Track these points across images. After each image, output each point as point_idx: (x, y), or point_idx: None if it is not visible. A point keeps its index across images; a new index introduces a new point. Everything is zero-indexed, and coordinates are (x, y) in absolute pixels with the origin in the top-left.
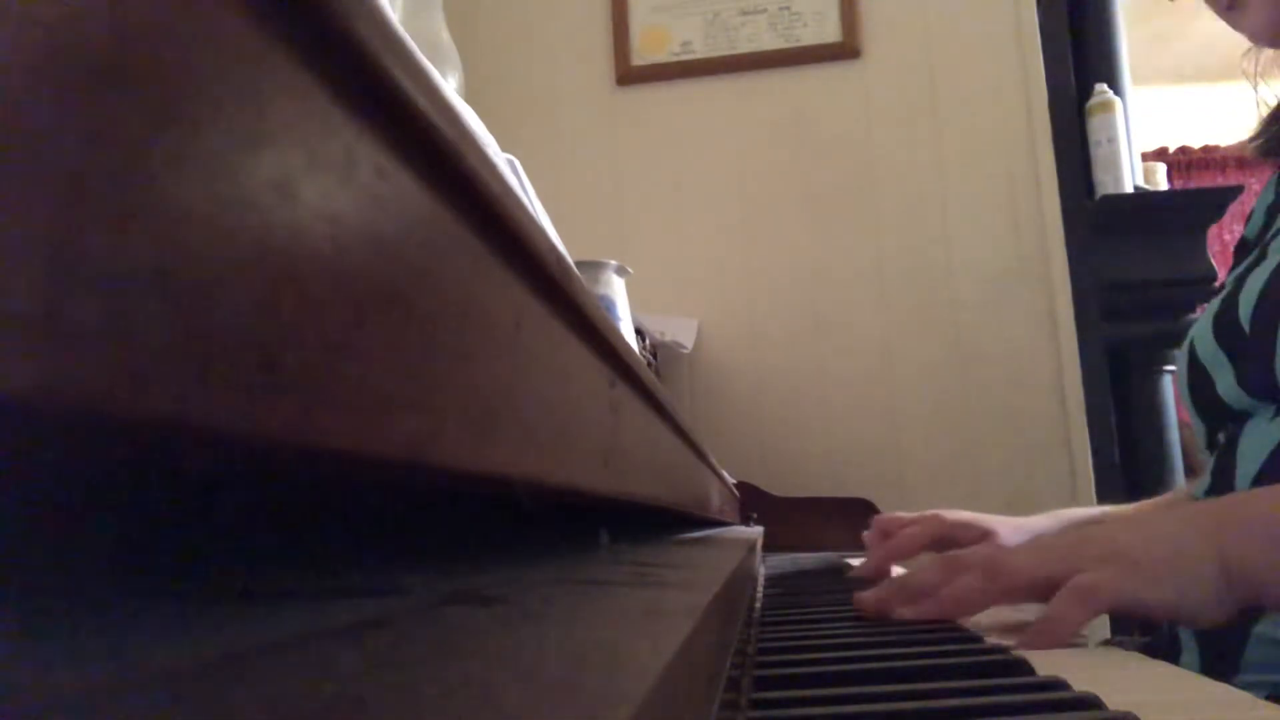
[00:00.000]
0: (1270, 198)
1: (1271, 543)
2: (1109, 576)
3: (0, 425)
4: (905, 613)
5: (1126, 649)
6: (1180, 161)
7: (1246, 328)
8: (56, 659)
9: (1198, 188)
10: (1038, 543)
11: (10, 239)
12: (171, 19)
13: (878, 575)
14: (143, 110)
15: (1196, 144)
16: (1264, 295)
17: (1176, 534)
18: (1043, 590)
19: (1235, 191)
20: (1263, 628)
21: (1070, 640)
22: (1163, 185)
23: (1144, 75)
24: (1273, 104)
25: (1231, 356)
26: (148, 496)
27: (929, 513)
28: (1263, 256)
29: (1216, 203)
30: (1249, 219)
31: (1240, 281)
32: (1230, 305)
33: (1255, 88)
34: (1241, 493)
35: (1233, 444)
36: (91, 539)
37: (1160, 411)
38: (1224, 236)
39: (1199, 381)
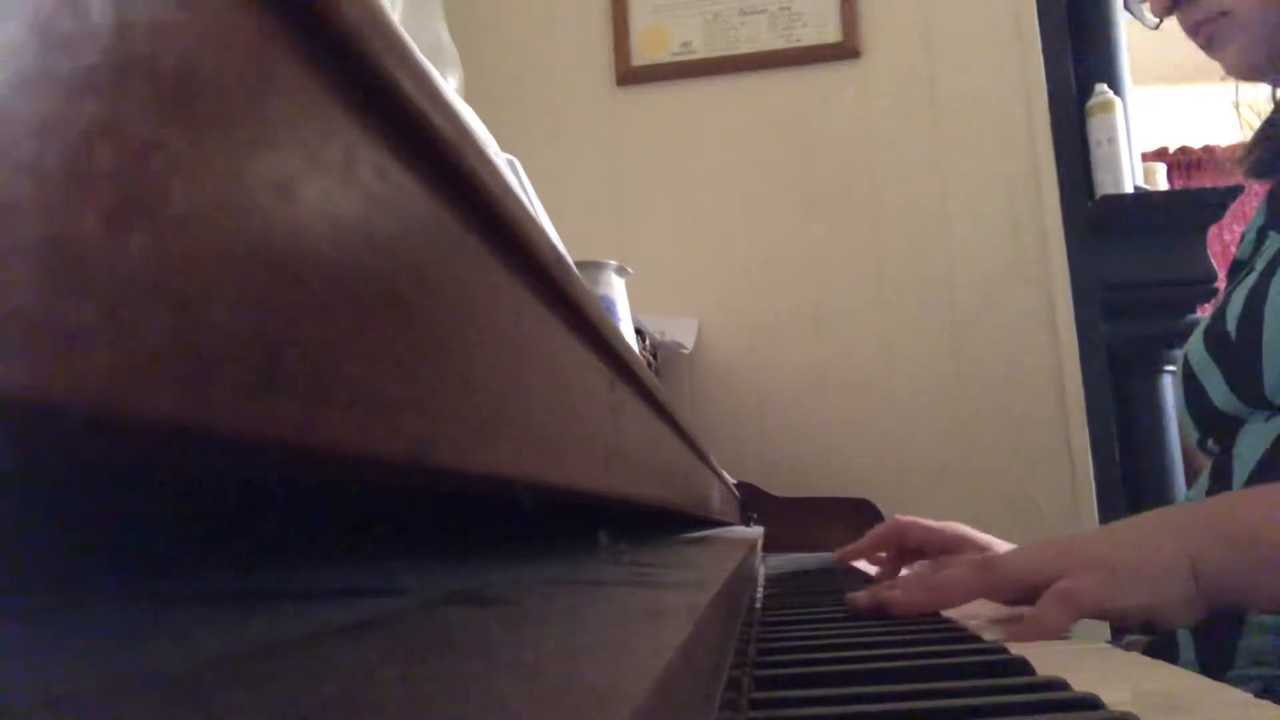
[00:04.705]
0: (1259, 221)
1: (1236, 546)
2: (1088, 583)
3: (0, 425)
4: (895, 597)
5: (1128, 649)
6: (1180, 161)
7: (1233, 335)
8: (56, 659)
9: (1198, 188)
10: (1025, 547)
11: (10, 239)
12: (174, 18)
13: (870, 551)
14: (144, 109)
15: (1196, 144)
16: (1248, 304)
17: (1151, 540)
18: (1027, 590)
19: (1235, 191)
20: (1258, 615)
21: (1053, 638)
22: (1163, 185)
23: (1144, 75)
24: (1257, 124)
25: (1220, 364)
26: (148, 496)
27: (951, 525)
28: (1250, 271)
29: (1216, 203)
30: (1240, 242)
31: (1229, 296)
32: (1219, 316)
33: (1238, 109)
34: (1215, 498)
35: (1229, 446)
36: (92, 539)
37: (1160, 411)
38: (1224, 236)
39: (1194, 391)
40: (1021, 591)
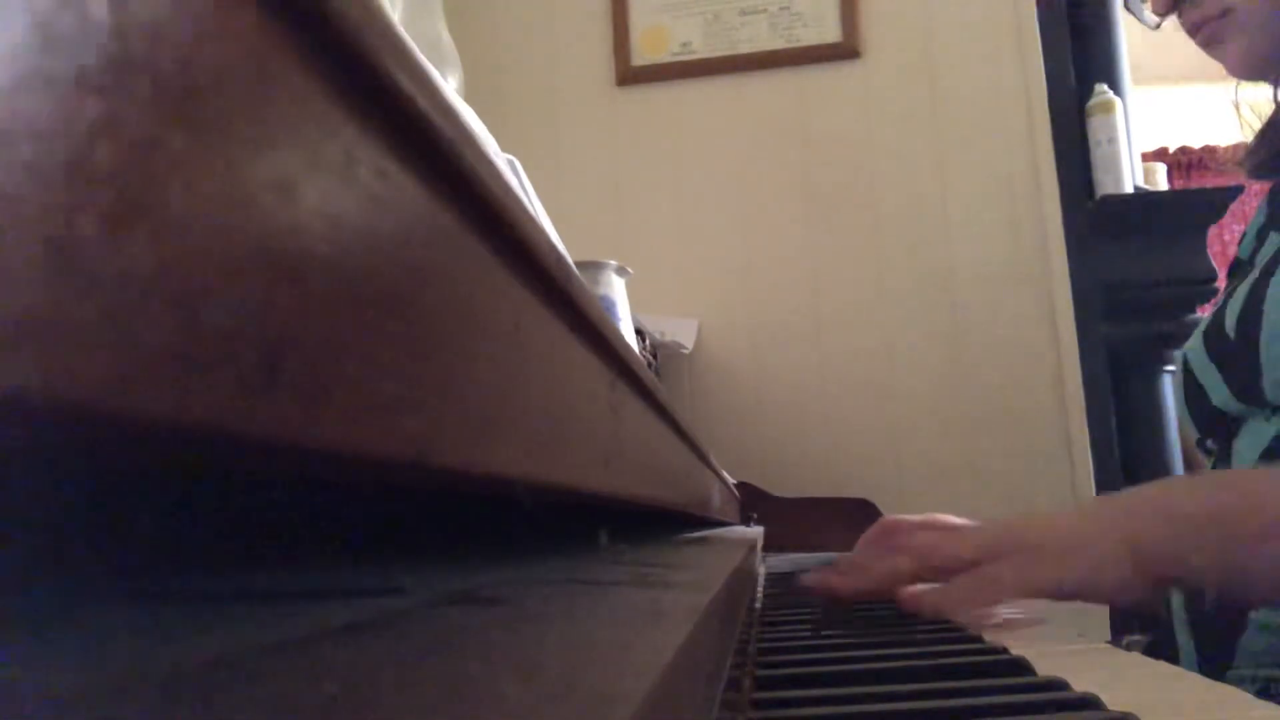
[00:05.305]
0: (1260, 220)
1: (1173, 525)
2: (1012, 567)
3: (0, 425)
4: (839, 582)
5: (1128, 649)
6: (1180, 161)
7: (1232, 335)
8: (56, 659)
9: (1198, 188)
10: (965, 530)
11: (11, 238)
12: (174, 19)
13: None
14: (144, 109)
15: (1196, 144)
16: (1247, 303)
17: (1083, 521)
18: (961, 572)
19: (1235, 191)
20: (1259, 614)
21: (973, 614)
22: (1163, 185)
23: (1144, 75)
24: (1259, 124)
25: (1220, 365)
26: (148, 496)
27: (932, 516)
28: (1251, 271)
29: (1216, 203)
30: (1241, 241)
31: (1230, 295)
32: (1219, 316)
33: (1238, 110)
34: (1156, 483)
35: (1228, 446)
36: (92, 539)
37: (1160, 411)
38: (1224, 236)
39: (1194, 392)
40: (951, 575)
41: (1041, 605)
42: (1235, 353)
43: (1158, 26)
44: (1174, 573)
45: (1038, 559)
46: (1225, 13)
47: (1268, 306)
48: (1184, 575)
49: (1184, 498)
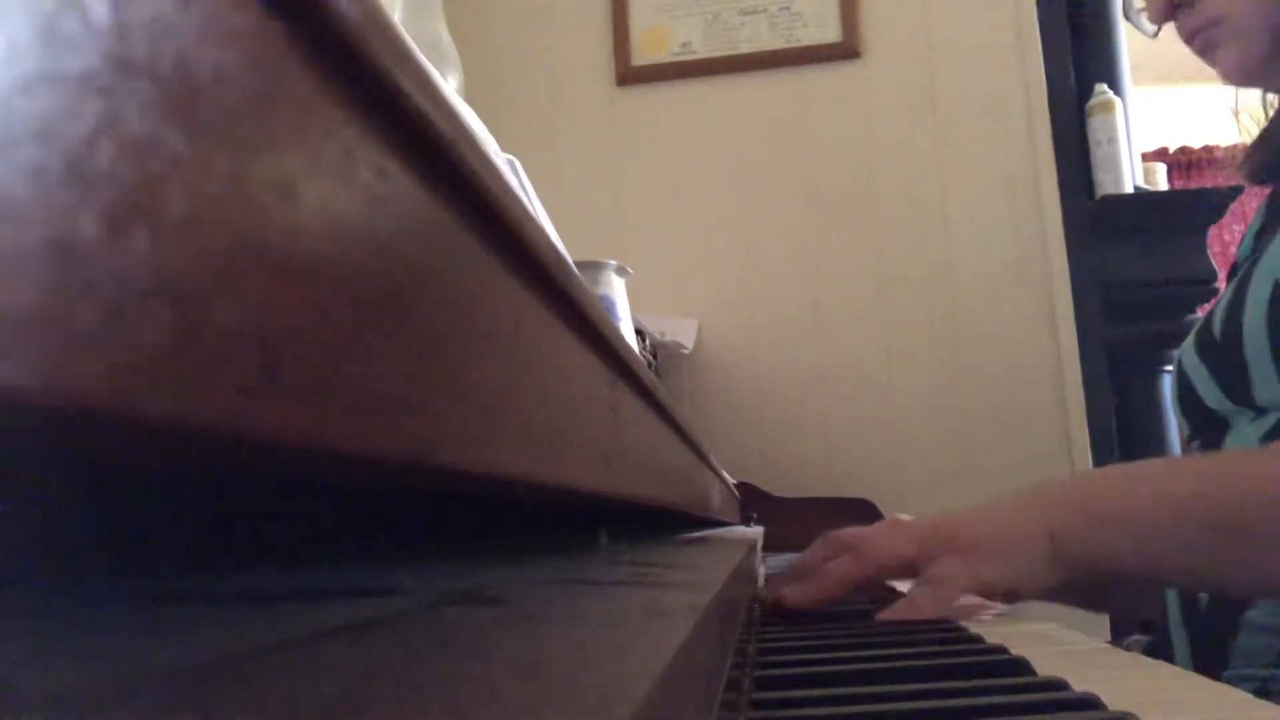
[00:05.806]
0: (1258, 223)
1: (1088, 516)
2: (956, 566)
3: (2, 425)
4: (786, 594)
5: (1128, 649)
6: (1180, 161)
7: (1219, 337)
8: (56, 659)
9: (1198, 188)
10: (897, 528)
11: (12, 239)
12: (175, 19)
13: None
14: (144, 109)
15: (1196, 144)
16: (1231, 306)
17: (1015, 516)
18: (905, 571)
19: (1235, 191)
20: (1254, 615)
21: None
22: (1163, 185)
23: (1144, 75)
24: (1256, 130)
25: (1210, 366)
26: (148, 496)
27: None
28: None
29: (1216, 203)
30: (1241, 243)
31: (1223, 297)
32: (1209, 318)
33: (1237, 117)
34: (1073, 478)
35: (1219, 445)
36: (92, 539)
37: (1160, 411)
38: (1224, 236)
39: (1186, 392)
40: (897, 574)
41: (1038, 604)
42: (1223, 354)
43: (1155, 35)
44: (1094, 566)
45: (977, 557)
46: (1219, 20)
47: (1248, 307)
48: (1104, 569)
49: (1102, 492)
